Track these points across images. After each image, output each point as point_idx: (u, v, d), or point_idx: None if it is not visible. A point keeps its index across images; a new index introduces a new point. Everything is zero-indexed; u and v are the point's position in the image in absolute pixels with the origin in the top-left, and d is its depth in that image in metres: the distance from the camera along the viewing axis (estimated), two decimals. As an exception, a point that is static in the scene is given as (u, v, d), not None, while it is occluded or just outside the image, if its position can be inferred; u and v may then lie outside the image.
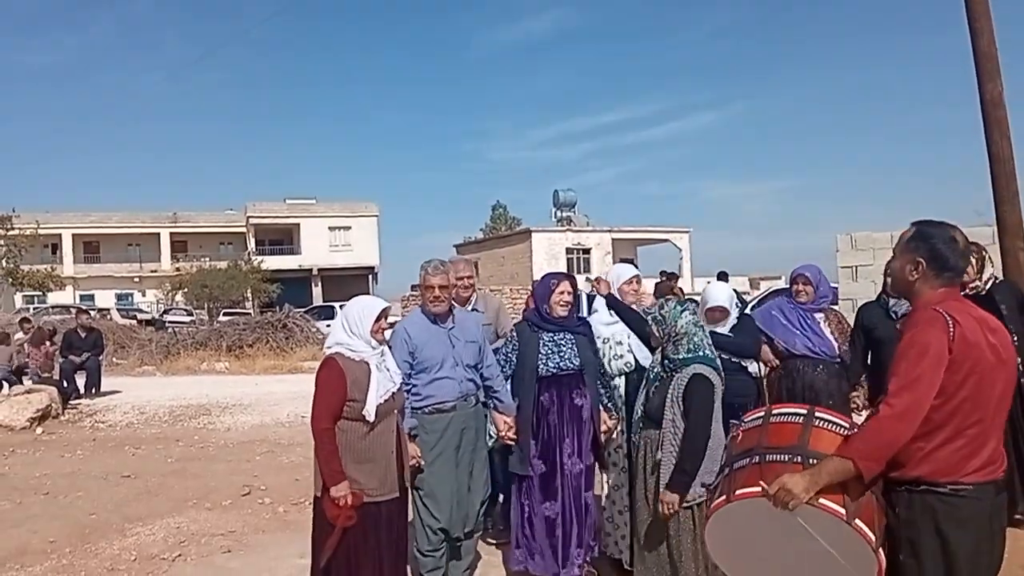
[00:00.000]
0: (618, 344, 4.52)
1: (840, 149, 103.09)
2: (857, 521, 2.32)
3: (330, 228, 52.27)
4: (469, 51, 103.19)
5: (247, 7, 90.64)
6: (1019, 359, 4.20)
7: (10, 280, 26.79)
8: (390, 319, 4.58)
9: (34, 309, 29.01)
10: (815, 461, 2.42)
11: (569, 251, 47.31)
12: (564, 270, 44.49)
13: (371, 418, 3.51)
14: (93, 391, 13.00)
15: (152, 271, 49.45)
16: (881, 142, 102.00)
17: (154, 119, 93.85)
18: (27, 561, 5.29)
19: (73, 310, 20.25)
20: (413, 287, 38.83)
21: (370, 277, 51.56)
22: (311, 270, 50.26)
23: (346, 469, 3.50)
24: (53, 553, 5.45)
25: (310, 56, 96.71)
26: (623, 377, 4.51)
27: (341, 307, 4.64)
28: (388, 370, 3.69)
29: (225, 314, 33.52)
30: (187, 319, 31.64)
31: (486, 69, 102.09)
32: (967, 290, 4.57)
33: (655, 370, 3.75)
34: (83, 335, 13.32)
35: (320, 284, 49.39)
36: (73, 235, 50.05)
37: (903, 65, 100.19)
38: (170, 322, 28.72)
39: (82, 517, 6.34)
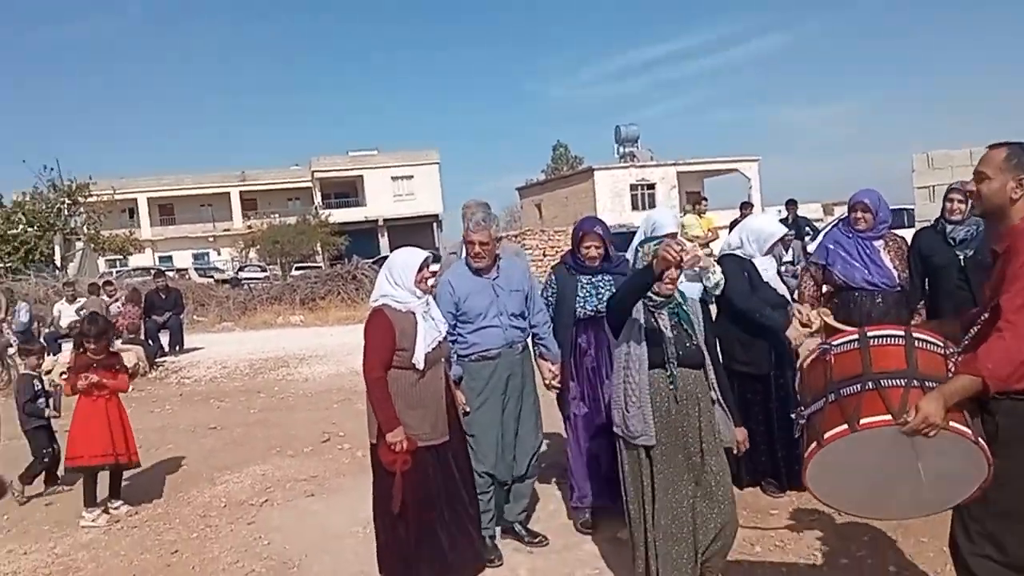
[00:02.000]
0: None
1: (915, 63, 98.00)
2: (980, 439, 2.37)
3: (393, 178, 52.61)
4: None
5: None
6: None
7: (92, 246, 27.85)
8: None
9: (116, 272, 30.20)
10: (932, 384, 2.41)
11: (633, 187, 46.61)
12: (628, 207, 44.10)
13: (420, 366, 3.65)
14: (177, 348, 13.50)
15: (225, 230, 50.81)
16: (958, 54, 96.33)
17: (218, 79, 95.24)
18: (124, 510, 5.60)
19: (153, 271, 20.87)
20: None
21: (434, 225, 51.91)
22: (377, 221, 50.86)
23: (399, 415, 3.63)
24: (149, 502, 5.75)
25: (361, 9, 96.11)
26: None
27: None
28: (434, 319, 3.79)
29: (297, 268, 34.31)
30: (261, 275, 32.49)
31: (540, 5, 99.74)
32: None
33: (671, 307, 3.36)
34: (163, 296, 13.79)
35: (386, 235, 49.97)
36: (148, 199, 51.66)
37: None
38: (245, 279, 29.55)
39: (173, 468, 6.65)
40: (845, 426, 2.43)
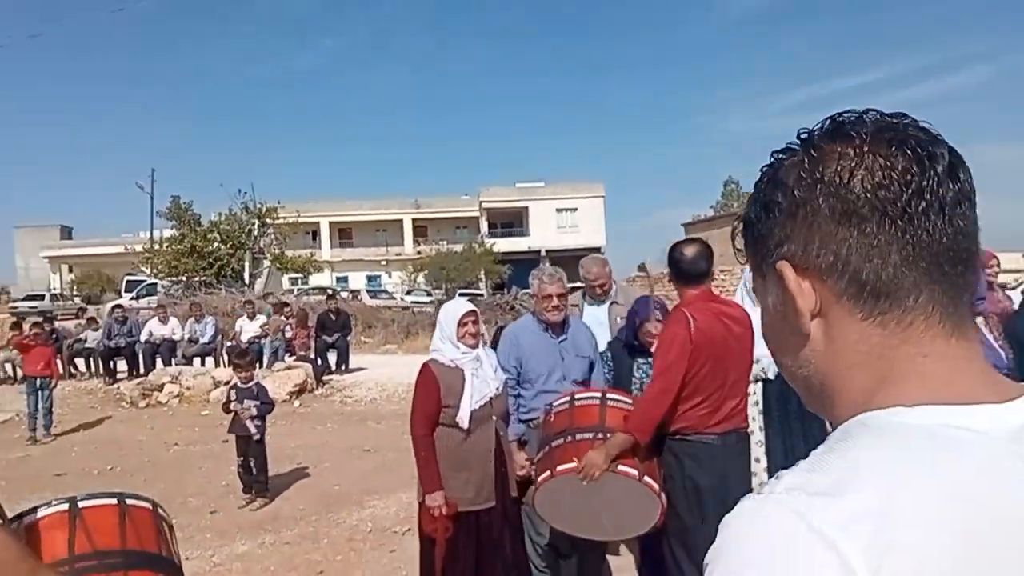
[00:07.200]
0: None
1: None
2: (646, 477, 3.11)
3: (557, 210, 53.21)
4: (701, 23, 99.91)
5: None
6: None
7: (276, 265, 29.99)
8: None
9: (298, 290, 32.32)
10: (612, 435, 3.16)
11: (806, 227, 44.50)
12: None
13: (464, 425, 3.50)
14: (343, 368, 14.14)
15: (397, 254, 53.15)
16: None
17: (398, 112, 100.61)
18: (279, 526, 5.86)
19: (326, 293, 22.05)
20: (639, 267, 38.60)
21: (597, 257, 51.75)
22: (539, 251, 51.45)
23: (444, 476, 3.48)
24: (302, 520, 5.98)
25: (538, 42, 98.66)
26: (759, 384, 4.17)
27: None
28: (485, 375, 3.62)
29: (460, 294, 35.25)
30: (427, 299, 33.66)
31: (719, 39, 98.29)
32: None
33: None
34: (333, 317, 14.53)
35: (548, 265, 50.37)
36: (330, 222, 55.00)
37: None
38: (412, 302, 30.72)
39: (328, 488, 6.91)
40: (548, 473, 3.19)
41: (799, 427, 4.11)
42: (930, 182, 0.66)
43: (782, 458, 4.10)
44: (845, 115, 0.72)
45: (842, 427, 0.68)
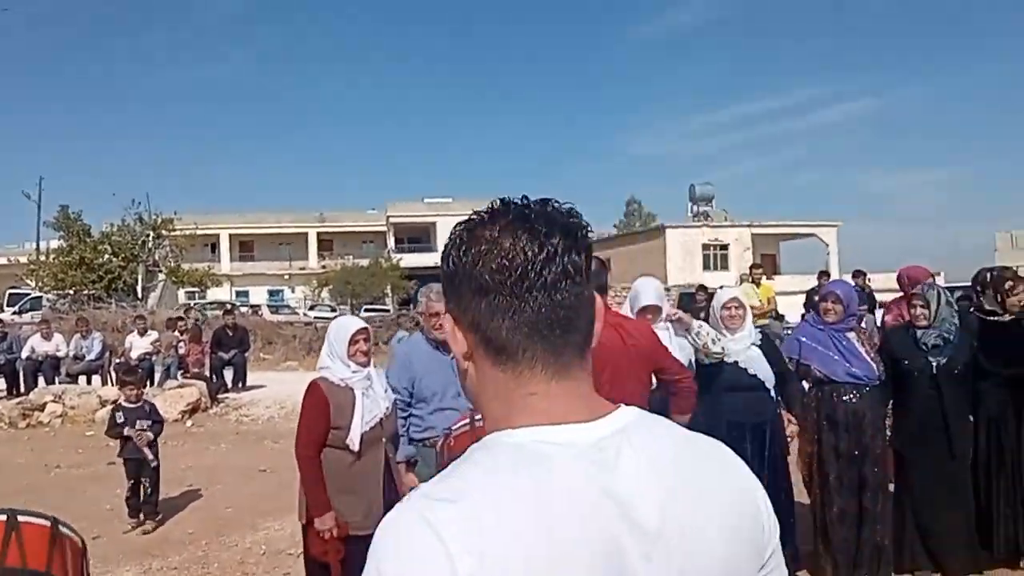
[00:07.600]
0: None
1: (1011, 137, 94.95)
2: None
3: (465, 226, 53.26)
4: (607, 49, 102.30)
5: (391, 14, 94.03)
6: None
7: (172, 278, 28.85)
8: None
9: (194, 304, 31.18)
10: None
11: (705, 247, 46.02)
12: (700, 267, 43.53)
13: (355, 447, 3.40)
14: (240, 385, 13.75)
15: (301, 268, 52.02)
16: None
17: (304, 125, 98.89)
18: (167, 551, 5.66)
19: (224, 308, 21.52)
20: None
21: (504, 274, 52.03)
22: (447, 267, 51.39)
23: (331, 499, 3.38)
24: (191, 544, 5.80)
25: (447, 60, 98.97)
26: None
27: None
28: (375, 394, 3.52)
29: (366, 310, 34.80)
30: (331, 315, 33.07)
31: (626, 65, 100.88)
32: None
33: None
34: (230, 333, 14.13)
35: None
36: (230, 235, 53.42)
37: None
38: (315, 317, 30.12)
39: (219, 510, 6.71)
40: None
41: None
42: (535, 267, 0.86)
43: None
44: (500, 204, 0.92)
45: (471, 447, 0.88)
